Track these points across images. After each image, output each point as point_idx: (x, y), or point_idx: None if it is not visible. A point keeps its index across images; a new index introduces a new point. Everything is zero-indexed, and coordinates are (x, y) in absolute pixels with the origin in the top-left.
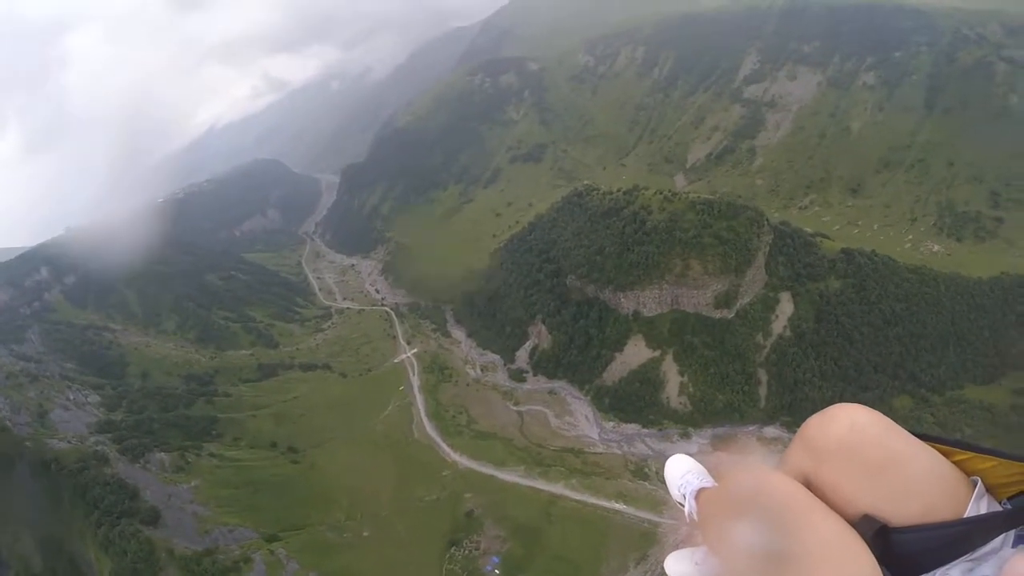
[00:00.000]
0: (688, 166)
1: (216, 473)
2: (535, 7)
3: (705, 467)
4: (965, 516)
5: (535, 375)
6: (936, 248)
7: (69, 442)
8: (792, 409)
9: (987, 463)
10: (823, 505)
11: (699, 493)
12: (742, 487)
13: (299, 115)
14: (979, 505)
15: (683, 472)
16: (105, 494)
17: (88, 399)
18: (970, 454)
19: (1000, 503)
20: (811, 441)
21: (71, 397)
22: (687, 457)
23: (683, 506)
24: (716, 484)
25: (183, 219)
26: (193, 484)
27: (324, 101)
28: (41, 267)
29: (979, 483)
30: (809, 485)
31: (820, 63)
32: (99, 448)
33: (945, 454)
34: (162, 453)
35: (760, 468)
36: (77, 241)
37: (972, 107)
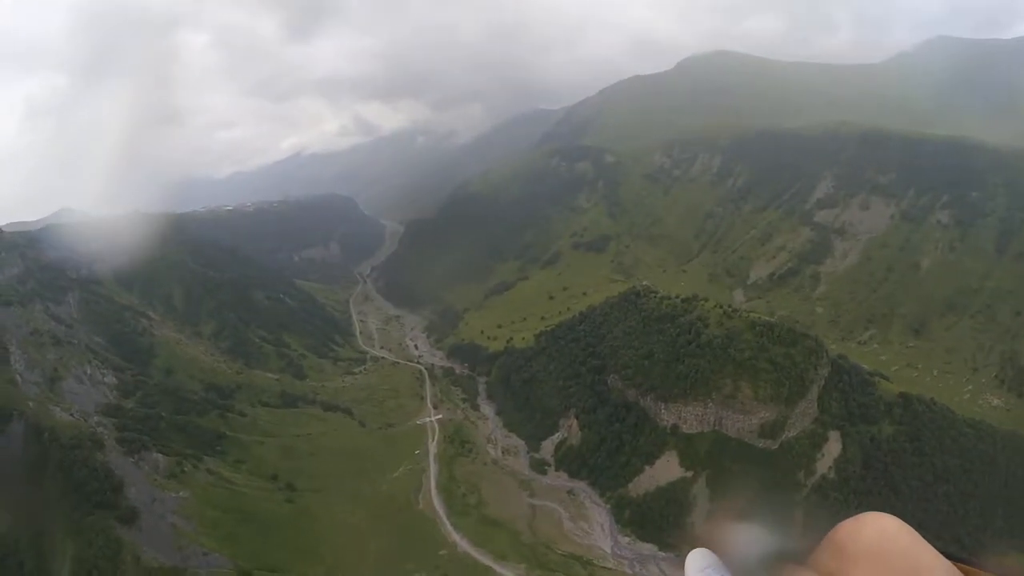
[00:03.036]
0: (749, 282)
1: (208, 490)
2: (619, 102)
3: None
4: None
5: (557, 470)
6: (996, 402)
7: (72, 415)
8: None
9: None
10: None
11: None
12: None
13: (380, 161)
14: None
15: (704, 567)
16: (89, 479)
17: (105, 378)
18: (988, 575)
19: None
20: (840, 545)
21: (88, 372)
22: (708, 552)
23: None
24: None
25: (247, 233)
26: (181, 495)
27: (406, 153)
28: (99, 238)
29: None
30: None
31: (894, 195)
32: (98, 430)
33: (966, 573)
34: (159, 454)
35: (790, 568)
36: (140, 225)
37: None
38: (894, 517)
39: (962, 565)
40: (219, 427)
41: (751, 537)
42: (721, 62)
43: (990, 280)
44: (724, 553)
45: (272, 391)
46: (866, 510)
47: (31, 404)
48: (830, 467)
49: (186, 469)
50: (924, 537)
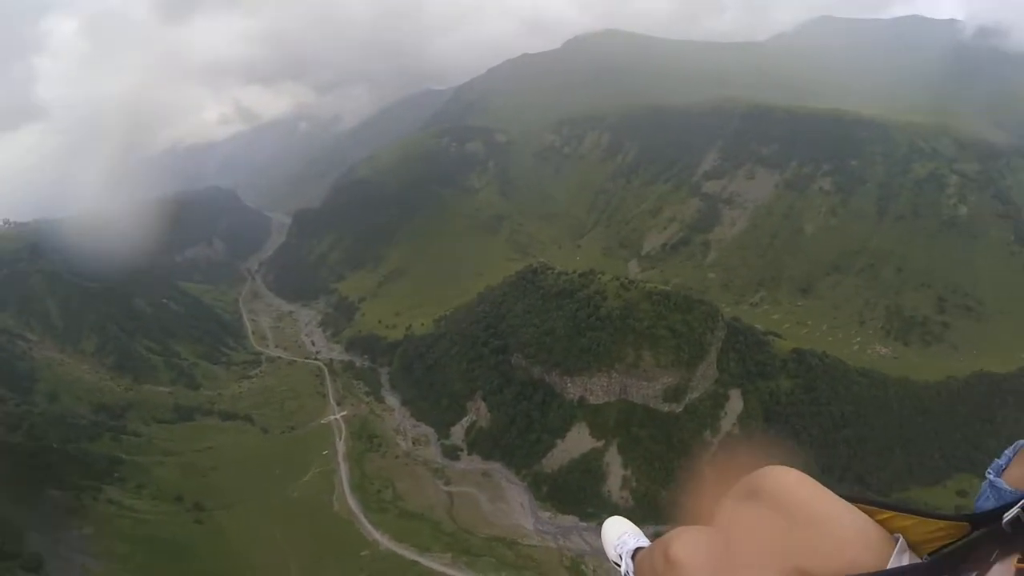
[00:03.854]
0: (643, 253)
1: (113, 523)
2: (508, 81)
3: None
4: (887, 568)
5: (470, 454)
6: (884, 351)
7: None
8: None
9: (908, 521)
10: (746, 560)
11: (635, 552)
12: (674, 543)
13: (263, 150)
14: (900, 559)
15: (620, 533)
16: None
17: None
18: (892, 513)
19: (921, 558)
20: (741, 499)
21: None
22: (624, 519)
23: (619, 566)
24: (651, 543)
25: (124, 234)
26: (85, 532)
27: (289, 140)
28: None
29: (900, 539)
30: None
31: (778, 165)
32: None
33: (869, 513)
34: (55, 491)
35: (693, 527)
36: (5, 238)
37: (923, 216)
38: (793, 469)
39: (865, 506)
40: (114, 451)
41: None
42: (609, 41)
43: (871, 241)
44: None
45: (166, 406)
46: (772, 461)
47: None
48: (734, 424)
49: (86, 503)
50: (827, 483)
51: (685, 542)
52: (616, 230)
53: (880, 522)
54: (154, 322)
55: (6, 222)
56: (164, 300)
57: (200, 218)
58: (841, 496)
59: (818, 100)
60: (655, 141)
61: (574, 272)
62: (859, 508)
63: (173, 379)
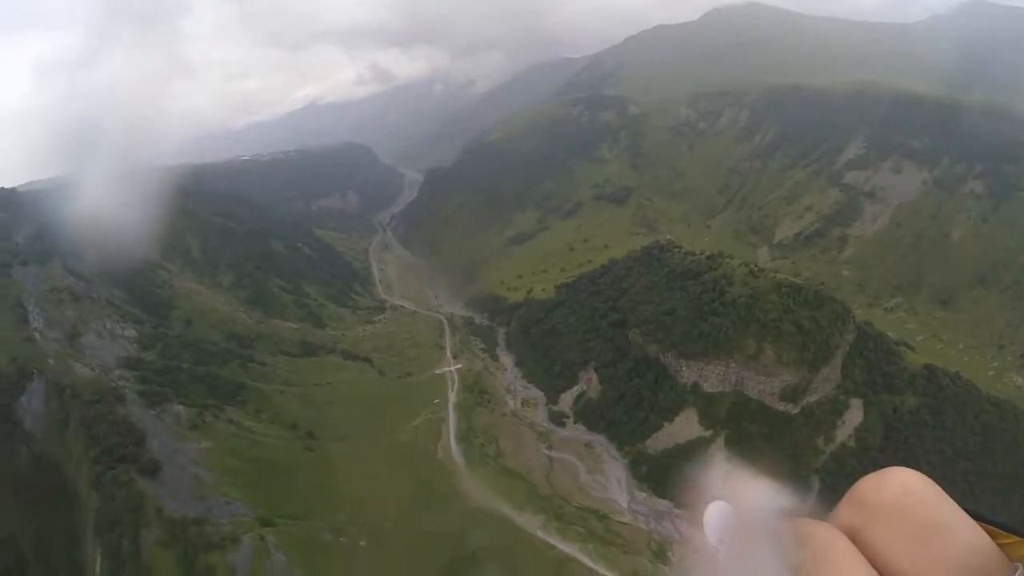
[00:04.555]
0: (774, 241)
1: (230, 440)
2: (644, 52)
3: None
4: None
5: (576, 422)
6: (1021, 381)
7: (92, 370)
8: None
9: None
10: (862, 560)
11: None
12: (784, 527)
13: (398, 110)
14: None
15: (723, 518)
16: (111, 433)
17: (125, 332)
18: (1015, 539)
19: None
20: (862, 499)
21: (108, 326)
22: (728, 505)
23: (719, 552)
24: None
25: (264, 183)
26: (203, 445)
27: (424, 102)
28: (117, 193)
29: (1020, 569)
30: (854, 541)
31: (928, 161)
32: (119, 384)
33: (991, 535)
34: (181, 406)
35: (812, 521)
36: (157, 179)
37: None
38: (919, 473)
39: (988, 526)
40: (239, 377)
41: (766, 491)
42: (751, 13)
43: (1022, 255)
44: (739, 505)
45: (292, 340)
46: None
47: (51, 361)
48: (850, 435)
49: (207, 420)
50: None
51: (796, 525)
52: (748, 214)
53: (1001, 546)
54: (287, 263)
55: (156, 165)
56: (298, 244)
57: (336, 171)
58: (965, 510)
59: (973, 93)
60: (795, 123)
61: (701, 253)
62: (982, 527)
63: (301, 317)
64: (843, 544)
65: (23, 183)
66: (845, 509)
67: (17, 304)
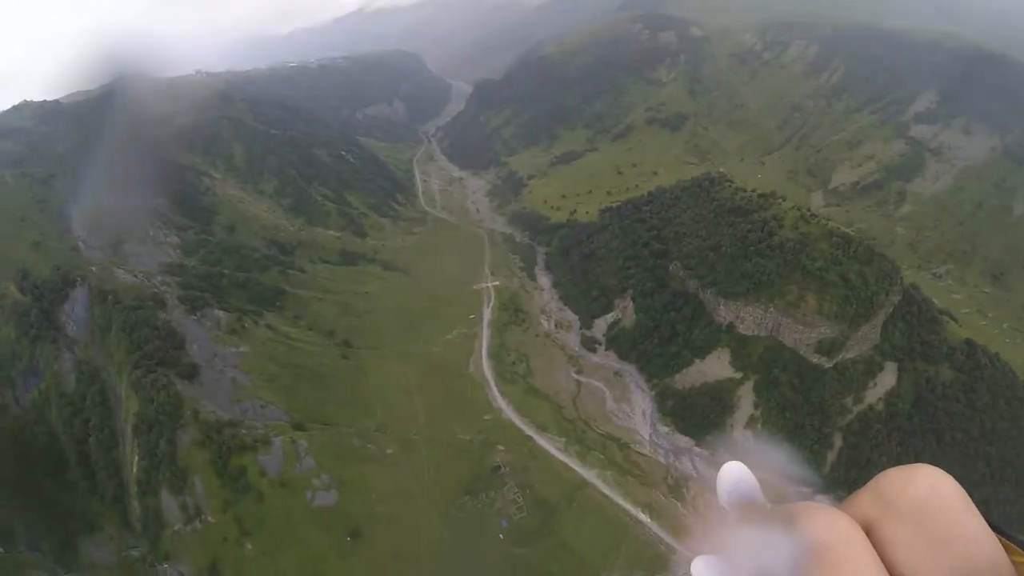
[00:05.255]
0: (830, 187)
1: (267, 345)
2: None
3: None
4: None
5: (607, 349)
6: None
7: (135, 276)
8: (853, 487)
9: None
10: (874, 555)
11: (748, 504)
12: (799, 510)
13: (450, 18)
14: None
15: (737, 480)
16: (152, 338)
17: (167, 239)
18: None
19: None
20: (886, 493)
21: (151, 233)
22: (744, 466)
23: (729, 514)
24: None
25: (310, 90)
26: (241, 350)
27: (477, 11)
28: (162, 99)
29: None
30: (869, 534)
31: (1001, 127)
32: (161, 290)
33: (1007, 549)
34: (221, 311)
35: (829, 508)
36: (202, 85)
37: None
38: (948, 475)
39: (1005, 540)
40: (279, 283)
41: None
42: None
43: None
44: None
45: (332, 248)
46: (907, 451)
47: (94, 269)
48: (880, 399)
49: (246, 325)
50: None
51: (812, 511)
52: (806, 155)
53: (1015, 563)
54: (331, 172)
55: (198, 72)
56: (343, 152)
57: (383, 79)
58: (988, 521)
59: None
60: (867, 65)
61: (753, 191)
62: (1000, 540)
63: (343, 225)
64: (860, 541)
65: (65, 95)
66: (865, 499)
67: (60, 214)
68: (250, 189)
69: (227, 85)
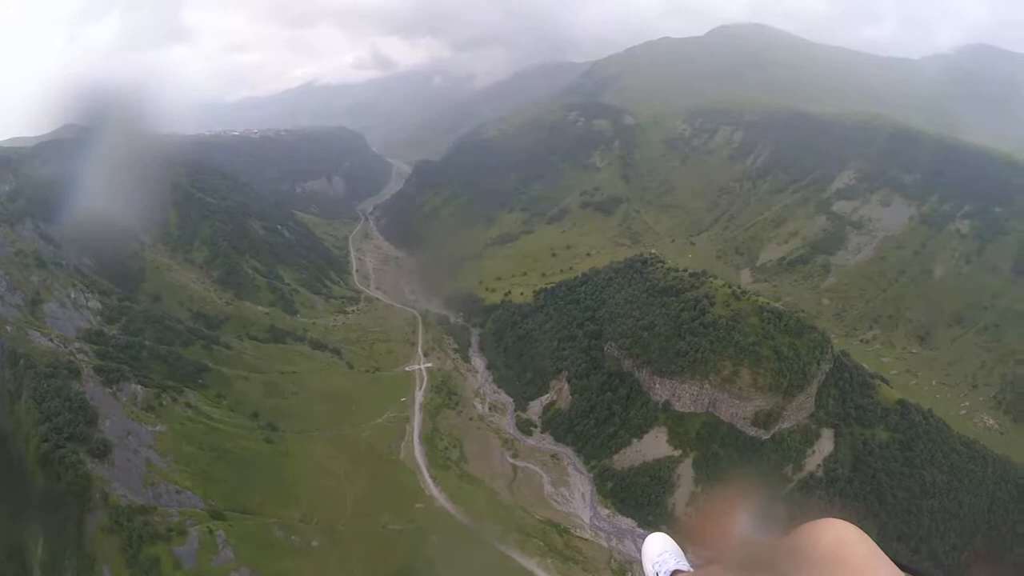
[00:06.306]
0: (757, 264)
1: (186, 425)
2: (646, 63)
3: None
4: None
5: (543, 432)
6: (991, 423)
7: (51, 340)
8: None
9: None
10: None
11: (674, 574)
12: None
13: (394, 98)
14: None
15: (661, 551)
16: (62, 410)
17: (89, 303)
18: None
19: None
20: (797, 548)
21: (72, 295)
22: (668, 538)
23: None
24: (692, 569)
25: (251, 160)
26: (158, 428)
27: (422, 93)
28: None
29: None
30: None
31: (917, 197)
32: (77, 358)
33: None
34: (138, 386)
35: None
36: (142, 145)
37: None
38: (853, 526)
39: None
40: (203, 359)
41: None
42: (756, 35)
43: (1002, 299)
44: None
45: (261, 325)
46: (851, 514)
47: (9, 328)
48: (819, 465)
49: (165, 402)
50: (901, 552)
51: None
52: (734, 234)
53: None
54: (264, 245)
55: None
56: (278, 226)
57: (325, 154)
58: (895, 562)
59: (969, 134)
60: (790, 148)
61: (685, 270)
62: None
63: (272, 301)
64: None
65: (4, 139)
66: (779, 556)
67: None
68: (179, 257)
69: (168, 148)
